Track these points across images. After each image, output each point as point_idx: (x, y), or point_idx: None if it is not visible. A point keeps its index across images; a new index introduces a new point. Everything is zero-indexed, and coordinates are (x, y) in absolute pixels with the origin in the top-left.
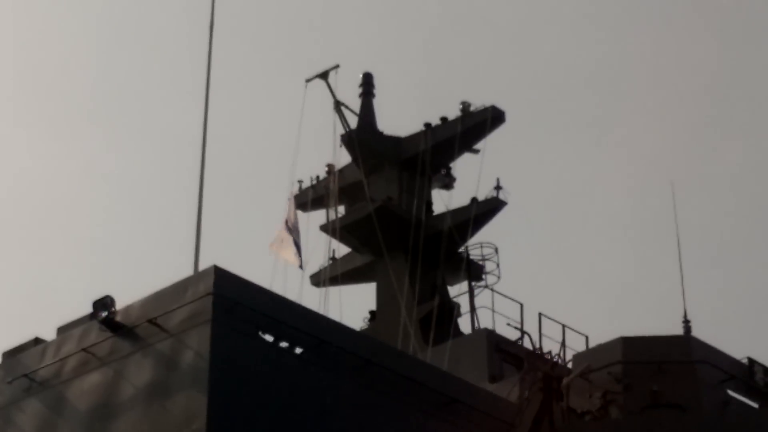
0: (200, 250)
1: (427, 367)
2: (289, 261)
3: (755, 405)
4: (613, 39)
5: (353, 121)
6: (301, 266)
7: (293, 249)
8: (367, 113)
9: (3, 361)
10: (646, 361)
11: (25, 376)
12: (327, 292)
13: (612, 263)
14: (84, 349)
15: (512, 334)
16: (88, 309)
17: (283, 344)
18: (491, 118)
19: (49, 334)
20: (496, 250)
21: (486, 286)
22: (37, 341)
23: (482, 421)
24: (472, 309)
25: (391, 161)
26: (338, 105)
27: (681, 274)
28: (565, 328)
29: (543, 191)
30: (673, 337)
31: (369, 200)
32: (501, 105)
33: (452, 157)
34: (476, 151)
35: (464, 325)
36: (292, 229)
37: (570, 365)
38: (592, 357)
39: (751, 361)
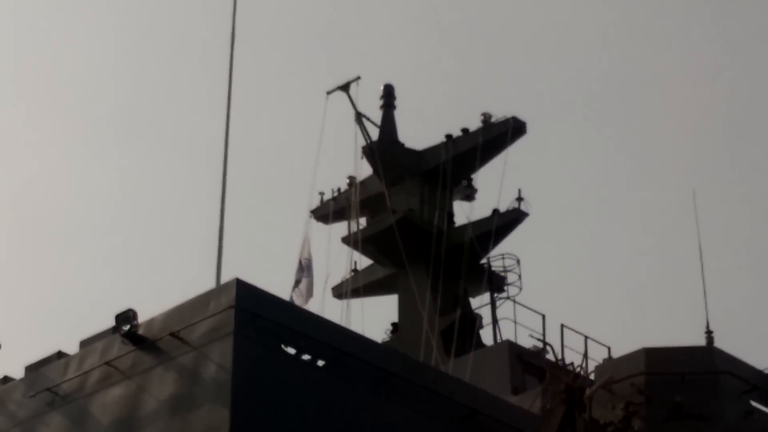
0: (222, 263)
1: (449, 379)
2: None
3: None
4: (635, 48)
5: (374, 133)
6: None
7: (301, 289)
8: (388, 125)
9: (26, 375)
10: (669, 372)
11: (48, 389)
12: (349, 304)
13: (634, 274)
14: (107, 363)
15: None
16: (110, 322)
17: (306, 357)
18: (512, 129)
19: (71, 348)
20: (518, 261)
21: (508, 298)
22: (59, 355)
23: None
24: (494, 320)
25: (412, 173)
26: (359, 117)
27: (703, 284)
28: (588, 340)
29: (565, 202)
30: (696, 348)
31: (390, 212)
32: (522, 116)
33: (473, 168)
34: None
35: (486, 336)
36: (305, 268)
37: (592, 376)
38: (614, 368)
39: None
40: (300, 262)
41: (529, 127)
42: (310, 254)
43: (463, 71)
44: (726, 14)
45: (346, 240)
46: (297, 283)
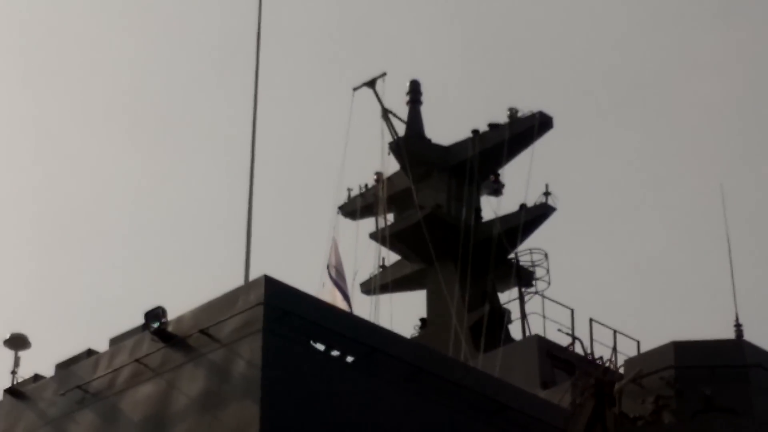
0: (250, 260)
1: (478, 374)
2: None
3: None
4: (662, 41)
5: (401, 129)
6: (350, 309)
7: (339, 296)
8: (414, 121)
9: (56, 373)
10: (699, 366)
11: (78, 387)
12: (377, 300)
13: (662, 267)
14: (136, 360)
15: (563, 340)
16: (140, 320)
17: (335, 353)
18: (539, 124)
19: (101, 346)
20: (546, 255)
21: (536, 292)
22: (89, 352)
23: (534, 428)
24: (523, 315)
25: (439, 168)
26: (386, 113)
27: (732, 278)
28: (617, 333)
29: (592, 196)
30: (725, 341)
31: (418, 208)
32: (548, 110)
33: (500, 163)
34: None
35: (515, 331)
36: (337, 275)
37: (622, 370)
38: (643, 362)
39: None
40: (335, 270)
41: (555, 122)
42: (340, 260)
43: (489, 66)
44: (756, 8)
45: (373, 236)
46: (343, 293)
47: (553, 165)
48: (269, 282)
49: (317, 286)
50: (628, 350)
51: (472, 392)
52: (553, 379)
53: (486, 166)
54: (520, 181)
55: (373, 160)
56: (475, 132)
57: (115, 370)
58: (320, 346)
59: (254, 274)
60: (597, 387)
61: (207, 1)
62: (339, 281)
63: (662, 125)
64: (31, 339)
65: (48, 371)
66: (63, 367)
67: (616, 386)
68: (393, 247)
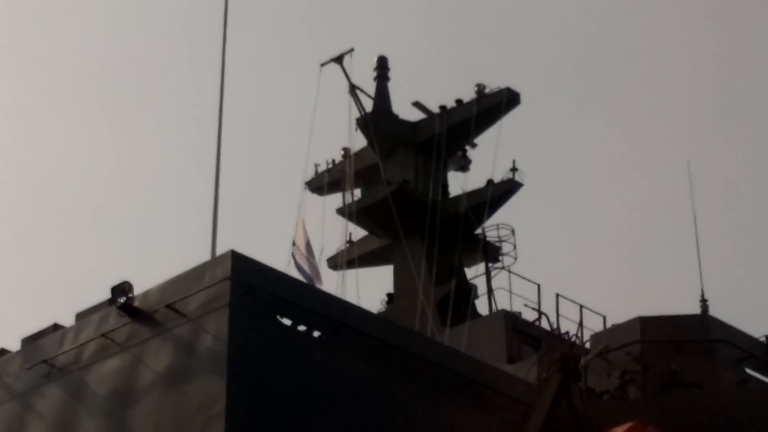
0: (217, 235)
1: (445, 349)
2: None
3: None
4: (630, 18)
5: (368, 105)
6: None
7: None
8: (382, 96)
9: (22, 348)
10: (664, 341)
11: (44, 362)
12: (344, 275)
13: (629, 243)
14: (103, 335)
15: (530, 315)
16: (106, 295)
17: (301, 328)
18: (506, 100)
19: (67, 320)
20: (513, 231)
21: (503, 268)
22: (56, 327)
23: (501, 402)
24: (490, 290)
25: (406, 144)
26: (353, 89)
27: (698, 253)
28: (583, 309)
29: (559, 172)
30: (691, 316)
31: (385, 183)
32: (516, 86)
33: (468, 139)
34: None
35: (481, 306)
36: (308, 261)
37: (588, 345)
38: (609, 337)
39: None
40: (302, 255)
41: (523, 98)
42: (308, 240)
43: (456, 42)
44: None
45: (340, 211)
46: (301, 266)
47: (521, 141)
48: (236, 257)
49: (284, 261)
50: (594, 325)
51: (438, 367)
52: (520, 353)
53: (453, 142)
54: (487, 157)
55: (341, 136)
56: (443, 108)
57: (82, 344)
58: (287, 321)
59: (221, 249)
60: (563, 362)
61: None
62: (309, 267)
63: (630, 102)
64: None
65: (14, 346)
66: (29, 341)
67: (582, 361)
68: (360, 223)
